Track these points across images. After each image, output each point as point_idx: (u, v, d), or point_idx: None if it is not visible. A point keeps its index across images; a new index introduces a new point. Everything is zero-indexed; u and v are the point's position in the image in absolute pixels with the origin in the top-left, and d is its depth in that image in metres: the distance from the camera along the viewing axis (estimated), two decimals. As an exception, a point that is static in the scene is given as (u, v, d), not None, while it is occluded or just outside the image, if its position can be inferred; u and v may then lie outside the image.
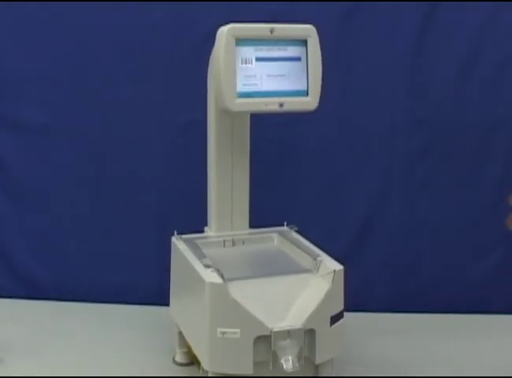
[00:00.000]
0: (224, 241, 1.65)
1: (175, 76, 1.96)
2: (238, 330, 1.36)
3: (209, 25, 1.64)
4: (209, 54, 1.56)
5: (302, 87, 1.53)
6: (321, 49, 1.53)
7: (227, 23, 1.49)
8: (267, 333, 1.36)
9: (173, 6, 1.93)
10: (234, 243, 1.65)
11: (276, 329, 1.36)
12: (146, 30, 1.95)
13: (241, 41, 1.48)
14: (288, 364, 1.36)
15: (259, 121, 1.67)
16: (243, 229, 1.69)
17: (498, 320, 1.88)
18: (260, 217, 1.68)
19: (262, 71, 1.51)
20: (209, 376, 1.39)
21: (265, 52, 1.51)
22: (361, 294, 1.90)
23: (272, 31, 1.51)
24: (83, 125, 1.98)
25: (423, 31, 1.93)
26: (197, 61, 1.74)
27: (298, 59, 1.53)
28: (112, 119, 1.98)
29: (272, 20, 1.54)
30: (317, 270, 1.46)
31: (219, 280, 1.37)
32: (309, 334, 1.40)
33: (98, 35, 1.95)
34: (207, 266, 1.43)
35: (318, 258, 1.48)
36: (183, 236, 1.64)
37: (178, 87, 1.96)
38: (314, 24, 1.54)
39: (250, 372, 1.37)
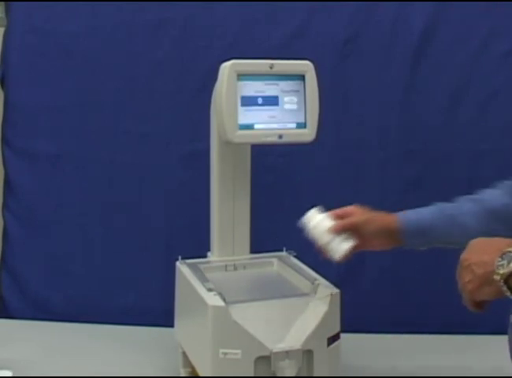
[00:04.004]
0: (226, 265, 1.64)
1: (180, 109, 1.97)
2: (239, 351, 1.35)
3: (212, 60, 1.66)
4: (212, 88, 1.57)
5: (300, 119, 1.54)
6: (318, 83, 1.54)
7: (228, 59, 1.50)
8: (267, 354, 1.35)
9: (177, 43, 1.95)
10: (235, 268, 1.65)
11: (275, 350, 1.35)
12: (152, 65, 1.96)
13: (242, 76, 1.49)
14: (288, 383, 1.35)
15: (259, 151, 1.67)
16: (244, 254, 1.68)
17: (489, 341, 1.86)
18: (260, 243, 1.68)
19: (262, 104, 1.51)
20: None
21: (264, 86, 1.52)
22: (357, 316, 1.89)
23: (271, 66, 1.51)
24: (92, 155, 1.98)
25: (414, 66, 1.94)
26: (201, 94, 1.75)
27: (296, 93, 1.54)
28: (119, 149, 1.98)
29: (271, 56, 1.56)
30: (315, 293, 1.45)
31: (221, 303, 1.36)
32: (307, 354, 1.39)
33: (107, 70, 1.96)
34: (210, 290, 1.42)
35: (316, 282, 1.48)
36: (187, 261, 1.63)
37: (182, 120, 1.97)
38: (311, 60, 1.55)
39: (250, 391, 1.36)
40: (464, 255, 1.10)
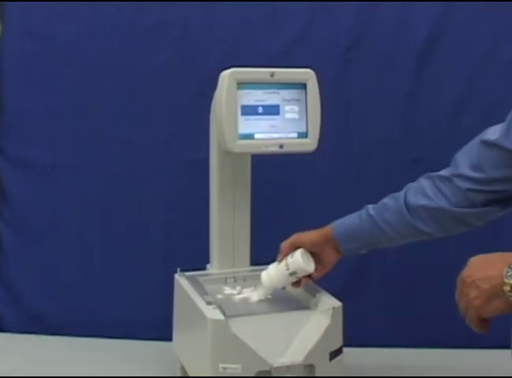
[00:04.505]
0: (225, 278, 1.67)
1: (179, 116, 2.00)
2: (239, 365, 1.37)
3: (212, 64, 1.69)
4: (212, 94, 1.60)
5: (301, 129, 1.57)
6: (320, 90, 1.57)
7: (228, 66, 1.53)
8: (267, 368, 1.37)
9: (176, 47, 1.98)
10: (235, 280, 1.67)
11: (276, 365, 1.37)
12: (150, 71, 1.99)
13: (242, 84, 1.52)
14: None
15: (260, 161, 1.70)
16: (244, 266, 1.71)
17: (493, 355, 1.88)
18: (261, 255, 1.69)
19: (263, 113, 1.55)
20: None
21: (265, 95, 1.55)
22: (360, 330, 1.90)
23: (272, 74, 1.55)
24: (89, 163, 2.02)
25: (418, 72, 1.97)
26: (200, 100, 1.77)
27: (297, 102, 1.57)
28: (117, 157, 2.01)
29: (271, 59, 1.59)
30: (317, 307, 1.48)
31: (220, 317, 1.38)
32: (308, 369, 1.41)
33: (103, 76, 1.99)
34: (209, 303, 1.45)
35: (317, 295, 1.51)
36: (186, 273, 1.66)
37: (182, 127, 2.00)
38: (312, 68, 1.58)
39: (250, 406, 1.39)
40: (465, 273, 1.12)
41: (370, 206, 1.50)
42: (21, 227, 2.06)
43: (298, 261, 1.48)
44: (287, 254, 1.53)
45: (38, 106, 2.01)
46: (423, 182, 1.44)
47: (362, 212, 1.51)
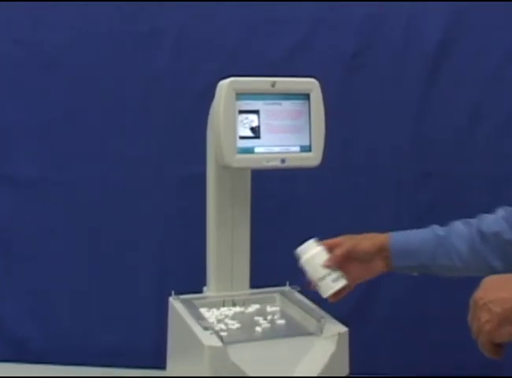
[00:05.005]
0: (223, 301, 1.66)
1: (174, 129, 2.00)
2: (238, 395, 1.36)
3: (209, 74, 1.69)
4: (209, 105, 1.60)
5: (304, 142, 1.57)
6: (324, 101, 1.57)
7: (226, 76, 1.53)
8: (268, 399, 1.36)
9: (171, 56, 1.99)
10: (234, 304, 1.67)
11: (277, 395, 1.36)
12: (143, 81, 2.00)
13: (241, 95, 1.52)
14: None
15: (260, 176, 1.70)
16: (243, 289, 1.70)
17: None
18: (261, 277, 1.71)
19: (263, 126, 1.55)
20: None
21: (266, 106, 1.55)
22: (367, 358, 1.91)
23: (273, 84, 1.55)
24: (78, 179, 2.01)
25: (430, 81, 1.98)
26: (197, 111, 1.76)
27: (300, 113, 1.57)
28: (108, 173, 2.01)
29: (273, 73, 1.59)
30: (321, 332, 1.47)
31: (218, 343, 1.37)
32: (312, 400, 1.40)
33: (93, 85, 1.99)
34: (206, 328, 1.44)
35: (322, 320, 1.49)
36: (181, 297, 1.65)
37: (177, 140, 2.00)
38: (316, 77, 1.58)
39: None
40: (478, 294, 1.12)
41: (436, 226, 1.49)
42: (4, 248, 2.05)
43: (331, 288, 1.50)
44: (337, 265, 1.50)
45: (23, 117, 2.01)
46: (500, 211, 1.43)
47: (427, 230, 1.49)
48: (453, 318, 1.94)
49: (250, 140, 1.54)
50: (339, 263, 1.51)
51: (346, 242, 1.52)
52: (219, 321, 1.56)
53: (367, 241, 1.52)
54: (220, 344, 1.37)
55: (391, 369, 1.98)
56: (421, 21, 1.98)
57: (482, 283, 1.14)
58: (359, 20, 1.98)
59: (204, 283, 1.73)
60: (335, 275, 1.50)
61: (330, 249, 1.52)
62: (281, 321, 1.58)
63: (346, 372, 1.48)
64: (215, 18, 1.99)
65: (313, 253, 1.52)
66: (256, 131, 1.55)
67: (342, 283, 1.50)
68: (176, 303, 1.62)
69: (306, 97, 1.57)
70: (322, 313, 1.55)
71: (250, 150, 1.54)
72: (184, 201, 2.00)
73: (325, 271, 1.50)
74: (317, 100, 1.57)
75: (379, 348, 2.00)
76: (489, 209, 1.49)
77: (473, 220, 1.46)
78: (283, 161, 1.56)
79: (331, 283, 1.50)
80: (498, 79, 1.98)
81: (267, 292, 1.71)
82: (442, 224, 1.45)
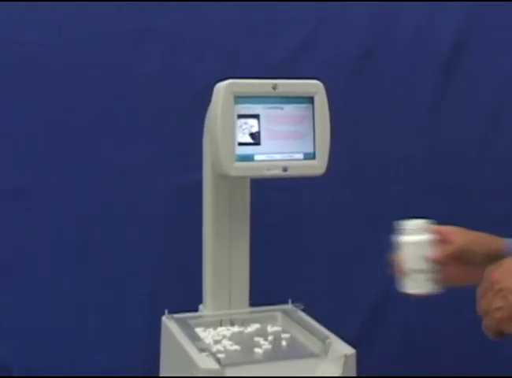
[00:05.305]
0: (221, 320, 1.65)
1: (168, 135, 1.98)
2: (236, 422, 1.34)
3: (205, 77, 1.68)
4: (206, 110, 1.58)
5: (308, 149, 1.55)
6: (329, 105, 1.55)
7: (224, 78, 1.52)
8: (268, 427, 1.35)
9: (164, 57, 1.97)
10: (232, 323, 1.65)
11: (278, 423, 1.35)
12: (134, 84, 1.97)
13: (240, 98, 1.51)
14: None
15: (260, 185, 1.68)
16: (242, 307, 1.69)
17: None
18: (262, 294, 1.68)
19: (264, 131, 1.53)
20: None
21: (266, 110, 1.54)
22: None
23: (274, 87, 1.54)
24: (65, 189, 1.98)
25: (443, 85, 1.98)
26: (192, 117, 1.77)
27: (303, 118, 1.56)
28: (97, 182, 1.98)
29: (274, 75, 1.57)
30: (326, 354, 1.45)
31: (215, 366, 1.36)
32: (317, 428, 1.38)
33: (81, 89, 1.96)
34: (202, 350, 1.42)
35: (327, 341, 1.47)
36: (175, 316, 1.63)
37: (170, 147, 1.98)
38: (321, 79, 1.56)
39: None
40: (496, 275, 1.09)
41: None
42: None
43: (424, 288, 1.36)
44: (443, 264, 1.37)
45: (5, 122, 1.97)
46: None
47: None
48: (466, 338, 1.94)
49: (250, 147, 1.52)
50: (445, 263, 1.37)
51: (459, 238, 1.38)
52: (216, 342, 1.54)
53: (483, 245, 1.38)
54: (217, 367, 1.36)
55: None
56: (434, 22, 1.98)
57: (502, 264, 1.10)
58: (367, 18, 1.97)
59: (200, 301, 1.71)
60: (432, 275, 1.36)
61: (440, 241, 1.37)
62: (283, 342, 1.56)
63: (353, 397, 1.46)
64: (214, 18, 1.98)
65: (420, 239, 1.37)
66: (256, 137, 1.53)
67: (436, 288, 1.37)
68: (169, 323, 1.61)
69: (309, 100, 1.56)
70: (327, 333, 1.53)
71: (249, 158, 1.52)
72: (179, 212, 1.98)
73: (425, 265, 1.35)
74: (321, 104, 1.55)
75: (389, 371, 1.98)
76: (508, 222, 1.47)
77: None
78: (285, 169, 1.54)
79: (423, 282, 1.36)
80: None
81: (268, 311, 1.69)
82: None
